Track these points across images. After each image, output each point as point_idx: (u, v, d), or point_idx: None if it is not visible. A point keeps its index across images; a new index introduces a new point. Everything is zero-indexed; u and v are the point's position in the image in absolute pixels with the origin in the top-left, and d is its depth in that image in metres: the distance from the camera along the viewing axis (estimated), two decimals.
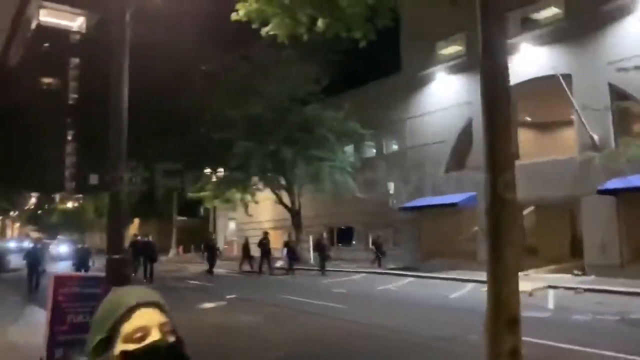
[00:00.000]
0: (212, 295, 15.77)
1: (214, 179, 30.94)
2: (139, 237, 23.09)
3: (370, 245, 26.17)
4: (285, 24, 6.35)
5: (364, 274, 22.21)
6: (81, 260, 17.99)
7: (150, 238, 23.63)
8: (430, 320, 11.23)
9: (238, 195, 29.95)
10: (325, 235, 26.09)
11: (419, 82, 25.98)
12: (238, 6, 6.42)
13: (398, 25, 23.93)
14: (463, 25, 20.93)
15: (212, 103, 24.62)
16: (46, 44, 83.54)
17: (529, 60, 20.31)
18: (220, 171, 30.00)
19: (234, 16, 6.48)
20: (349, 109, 24.52)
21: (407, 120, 26.66)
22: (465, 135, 23.49)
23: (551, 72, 18.79)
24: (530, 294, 13.97)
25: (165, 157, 29.85)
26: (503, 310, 4.03)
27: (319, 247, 23.49)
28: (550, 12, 21.54)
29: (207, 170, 30.84)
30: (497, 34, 4.53)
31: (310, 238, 28.33)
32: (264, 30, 6.43)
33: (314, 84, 24.00)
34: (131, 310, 1.36)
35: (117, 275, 6.55)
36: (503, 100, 4.44)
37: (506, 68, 4.43)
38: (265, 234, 24.64)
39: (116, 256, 6.64)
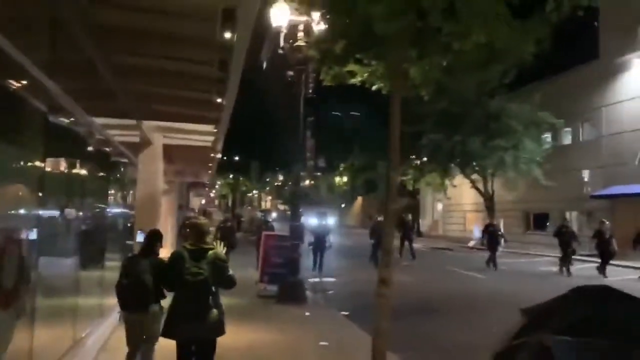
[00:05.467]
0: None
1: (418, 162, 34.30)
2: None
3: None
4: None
5: (549, 258, 22.56)
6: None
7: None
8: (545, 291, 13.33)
9: (438, 180, 32.92)
10: (568, 218, 23.63)
11: (617, 69, 25.53)
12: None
13: (591, 17, 23.87)
14: None
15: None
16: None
17: None
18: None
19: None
20: (540, 98, 25.37)
21: (603, 108, 26.44)
22: None
23: None
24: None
25: (371, 147, 34.57)
26: None
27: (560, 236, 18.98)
28: None
29: (413, 156, 34.31)
30: None
31: (502, 222, 29.65)
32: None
33: (501, 78, 25.17)
34: None
35: (295, 235, 11.04)
36: None
37: None
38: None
39: (295, 224, 11.12)
